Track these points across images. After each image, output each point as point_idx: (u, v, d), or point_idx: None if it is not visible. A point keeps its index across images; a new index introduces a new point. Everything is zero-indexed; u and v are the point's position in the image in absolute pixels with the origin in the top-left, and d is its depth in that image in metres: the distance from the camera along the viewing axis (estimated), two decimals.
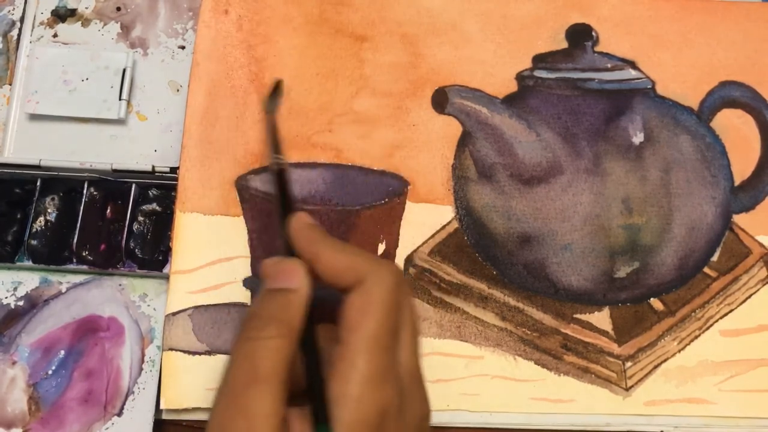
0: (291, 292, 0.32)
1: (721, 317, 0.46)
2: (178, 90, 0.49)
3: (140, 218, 0.46)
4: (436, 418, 0.44)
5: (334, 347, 0.32)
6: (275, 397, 0.30)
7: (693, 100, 0.49)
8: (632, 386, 0.44)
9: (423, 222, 0.47)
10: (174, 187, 0.46)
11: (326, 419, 0.30)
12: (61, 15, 0.50)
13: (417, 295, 0.45)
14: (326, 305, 0.33)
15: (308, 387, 0.31)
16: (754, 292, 0.46)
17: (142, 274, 0.45)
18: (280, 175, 0.37)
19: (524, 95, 0.49)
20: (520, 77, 0.49)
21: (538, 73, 0.49)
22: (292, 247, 0.34)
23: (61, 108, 0.48)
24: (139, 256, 0.46)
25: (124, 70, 0.48)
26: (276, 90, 0.41)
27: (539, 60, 0.50)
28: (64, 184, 0.47)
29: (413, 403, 0.33)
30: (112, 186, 0.47)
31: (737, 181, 0.48)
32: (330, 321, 0.33)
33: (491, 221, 0.47)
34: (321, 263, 0.33)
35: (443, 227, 0.47)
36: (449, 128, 0.48)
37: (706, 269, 0.47)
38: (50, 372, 0.44)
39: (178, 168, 0.47)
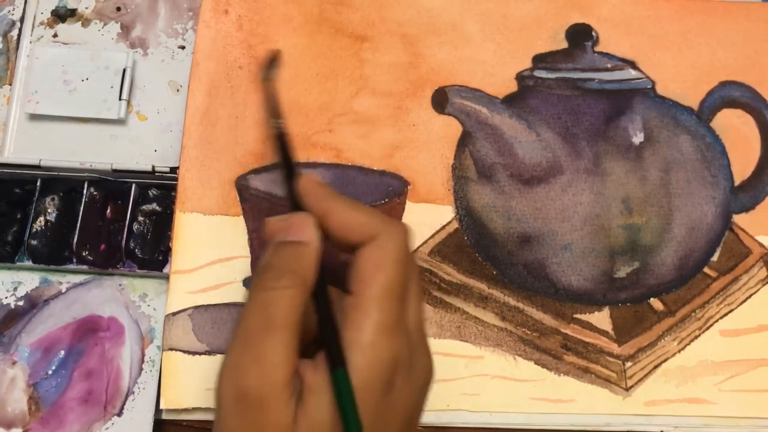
0: (303, 245, 0.33)
1: (721, 317, 0.46)
2: (178, 90, 0.49)
3: (140, 218, 0.46)
4: (436, 418, 0.44)
5: (344, 301, 0.32)
6: (288, 345, 0.30)
7: (693, 100, 0.49)
8: (632, 386, 0.44)
9: (423, 222, 0.47)
10: (174, 187, 0.46)
11: (342, 363, 0.30)
12: (61, 15, 0.50)
13: None
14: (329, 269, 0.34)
15: (322, 335, 0.31)
16: (754, 292, 0.46)
17: (142, 274, 0.45)
18: (281, 138, 0.38)
19: (524, 95, 0.49)
20: (520, 77, 0.49)
21: (538, 73, 0.49)
22: (303, 205, 0.34)
23: (61, 108, 0.48)
24: (139, 256, 0.46)
25: (124, 70, 0.48)
26: (273, 60, 0.41)
27: (539, 60, 0.50)
28: (64, 184, 0.47)
29: (420, 358, 0.34)
30: (112, 186, 0.47)
31: (737, 181, 0.48)
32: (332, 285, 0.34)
33: (491, 221, 0.47)
34: (333, 219, 0.34)
35: (443, 227, 0.47)
36: (449, 128, 0.48)
37: (706, 269, 0.47)
38: (50, 372, 0.44)
39: (178, 168, 0.47)
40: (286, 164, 0.37)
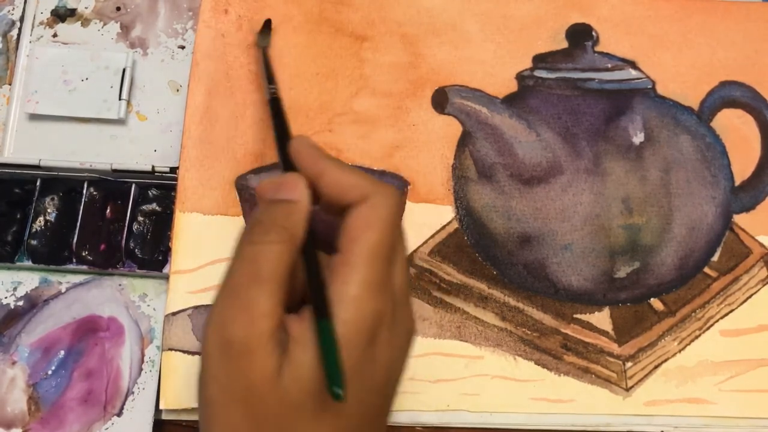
0: (293, 203, 0.33)
1: (722, 317, 0.46)
2: (177, 90, 0.49)
3: (140, 218, 0.46)
4: (436, 418, 0.44)
5: (332, 259, 0.33)
6: (275, 297, 0.31)
7: (693, 100, 0.49)
8: (632, 386, 0.44)
9: (423, 222, 0.47)
10: (174, 187, 0.46)
11: (327, 315, 0.31)
12: (61, 15, 0.50)
13: (417, 295, 0.45)
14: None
15: (309, 289, 0.32)
16: (755, 292, 0.46)
17: (141, 274, 0.45)
18: (275, 102, 0.41)
19: (524, 95, 0.49)
20: (520, 77, 0.49)
21: (538, 73, 0.49)
22: (296, 165, 0.35)
23: (61, 108, 0.48)
24: (139, 256, 0.46)
25: (124, 70, 0.48)
26: (266, 27, 0.46)
27: (539, 60, 0.50)
28: (63, 184, 0.47)
29: (403, 318, 0.34)
30: (112, 186, 0.47)
31: (737, 181, 0.48)
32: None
33: (491, 221, 0.47)
34: (326, 180, 0.34)
35: (443, 227, 0.47)
36: (449, 128, 0.48)
37: (706, 269, 0.47)
38: (50, 372, 0.44)
39: (177, 168, 0.46)
40: (280, 127, 0.39)
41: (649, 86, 0.49)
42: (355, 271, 0.32)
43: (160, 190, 0.47)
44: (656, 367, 0.45)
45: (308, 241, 0.33)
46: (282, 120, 0.40)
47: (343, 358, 0.30)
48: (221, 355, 0.31)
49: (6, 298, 0.45)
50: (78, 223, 0.46)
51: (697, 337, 0.45)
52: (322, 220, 0.34)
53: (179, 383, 0.43)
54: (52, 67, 0.48)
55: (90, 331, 0.45)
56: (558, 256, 0.46)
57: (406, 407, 0.44)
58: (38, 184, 0.46)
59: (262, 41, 0.47)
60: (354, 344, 0.31)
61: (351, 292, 0.31)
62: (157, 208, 0.47)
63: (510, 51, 0.50)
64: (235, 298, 0.31)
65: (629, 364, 0.45)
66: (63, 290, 0.45)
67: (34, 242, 0.45)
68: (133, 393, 0.44)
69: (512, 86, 0.49)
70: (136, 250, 0.46)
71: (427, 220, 0.47)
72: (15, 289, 0.46)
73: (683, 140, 0.48)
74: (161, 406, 0.43)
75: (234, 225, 0.46)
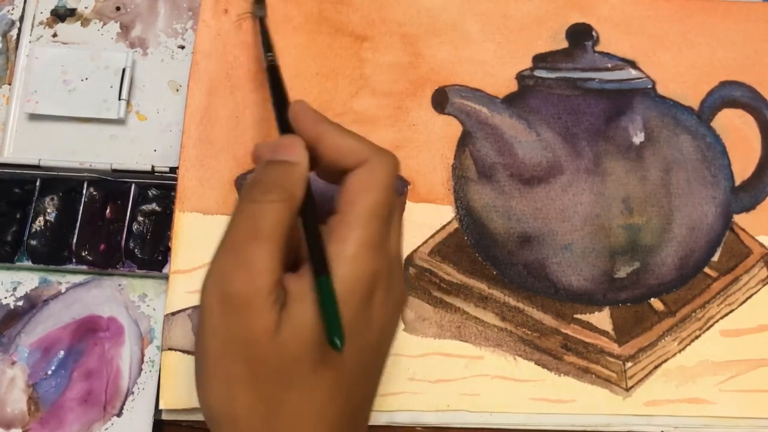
0: (291, 164, 0.34)
1: (722, 317, 0.46)
2: (177, 90, 0.49)
3: (140, 218, 0.46)
4: (436, 418, 0.44)
5: (330, 220, 0.33)
6: (274, 254, 0.31)
7: (693, 100, 0.49)
8: (632, 386, 0.44)
9: (423, 222, 0.47)
10: (173, 187, 0.46)
11: (326, 272, 0.31)
12: (61, 15, 0.50)
13: (417, 295, 0.45)
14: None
15: (308, 247, 0.32)
16: (755, 292, 0.46)
17: (141, 274, 0.45)
18: (273, 69, 0.41)
19: (524, 95, 0.49)
20: (520, 77, 0.49)
21: (538, 73, 0.49)
22: (295, 129, 0.36)
23: (61, 108, 0.47)
24: (139, 256, 0.46)
25: (124, 70, 0.48)
26: None
27: (539, 60, 0.50)
28: (63, 184, 0.47)
29: (397, 282, 0.35)
30: (112, 186, 0.47)
31: (738, 181, 0.48)
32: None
33: (491, 221, 0.47)
34: (325, 143, 0.34)
35: (443, 227, 0.47)
36: (449, 128, 0.48)
37: (706, 269, 0.47)
38: (50, 372, 0.44)
39: (177, 168, 0.46)
40: (278, 92, 0.39)
41: (650, 86, 0.49)
42: (353, 230, 0.32)
43: (159, 190, 0.47)
44: (656, 367, 0.45)
45: (307, 202, 0.33)
46: (280, 86, 0.40)
47: (341, 314, 0.30)
48: (221, 308, 0.31)
49: (6, 298, 0.45)
50: (78, 223, 0.46)
51: (697, 337, 0.45)
52: (317, 188, 0.35)
53: (179, 383, 0.43)
54: (52, 67, 0.48)
55: (90, 331, 0.45)
56: (558, 256, 0.46)
57: (406, 407, 0.44)
58: (38, 184, 0.46)
59: (258, 11, 0.48)
60: (351, 301, 0.32)
61: (349, 250, 0.32)
62: (156, 208, 0.47)
63: (510, 51, 0.50)
64: (235, 254, 0.31)
65: (629, 364, 0.45)
66: (63, 290, 0.45)
67: (33, 242, 0.45)
68: (132, 393, 0.44)
69: (512, 86, 0.49)
70: (136, 250, 0.46)
71: (427, 220, 0.47)
72: (15, 289, 0.45)
73: (683, 140, 0.48)
74: (161, 406, 0.43)
75: None
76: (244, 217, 0.32)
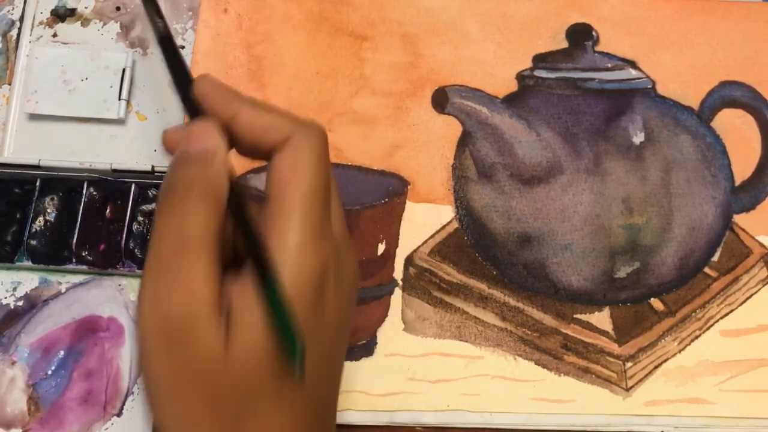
0: (208, 153, 0.30)
1: (722, 317, 0.46)
2: None
3: (140, 218, 0.46)
4: (436, 418, 0.44)
5: (262, 211, 0.30)
6: (208, 261, 0.28)
7: (693, 100, 0.49)
8: (632, 386, 0.44)
9: (423, 222, 0.47)
10: None
11: (271, 269, 0.28)
12: (61, 15, 0.50)
13: (417, 295, 0.45)
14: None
15: (246, 243, 0.29)
16: (755, 292, 0.46)
17: (141, 274, 0.45)
18: (166, 40, 0.33)
19: (524, 95, 0.49)
20: (520, 77, 0.49)
21: (538, 73, 0.49)
22: (205, 110, 0.31)
23: (61, 108, 0.47)
24: (139, 256, 0.46)
25: (124, 70, 0.48)
26: None
27: (539, 60, 0.50)
28: (63, 184, 0.46)
29: (346, 264, 0.32)
30: (112, 186, 0.47)
31: (738, 181, 0.48)
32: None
33: (491, 221, 0.47)
34: (240, 122, 0.30)
35: (443, 227, 0.47)
36: (449, 128, 0.48)
37: (706, 269, 0.47)
38: (50, 372, 0.44)
39: None
40: (177, 68, 0.32)
41: (649, 86, 0.49)
42: (292, 219, 0.29)
43: (159, 190, 0.47)
44: (656, 367, 0.45)
45: (234, 193, 0.30)
46: (179, 60, 0.32)
47: (295, 315, 0.28)
48: (162, 336, 0.28)
49: (6, 298, 0.45)
50: (78, 223, 0.46)
51: (697, 337, 0.45)
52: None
53: None
54: (52, 67, 0.48)
55: (90, 331, 0.45)
56: (558, 256, 0.46)
57: (406, 407, 0.44)
58: (38, 184, 0.46)
59: None
60: (302, 299, 0.28)
61: (291, 241, 0.28)
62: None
63: (510, 51, 0.50)
64: (166, 270, 0.28)
65: (629, 364, 0.45)
66: (63, 290, 0.45)
67: (33, 242, 0.45)
68: (133, 393, 0.44)
69: (512, 86, 0.49)
70: (136, 250, 0.46)
71: (427, 220, 0.47)
72: (15, 289, 0.45)
73: (683, 140, 0.48)
74: None
75: None
76: (166, 228, 0.28)
